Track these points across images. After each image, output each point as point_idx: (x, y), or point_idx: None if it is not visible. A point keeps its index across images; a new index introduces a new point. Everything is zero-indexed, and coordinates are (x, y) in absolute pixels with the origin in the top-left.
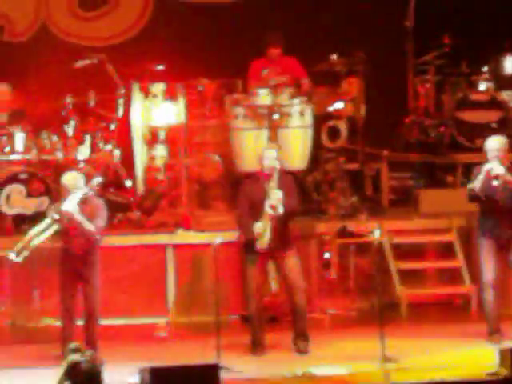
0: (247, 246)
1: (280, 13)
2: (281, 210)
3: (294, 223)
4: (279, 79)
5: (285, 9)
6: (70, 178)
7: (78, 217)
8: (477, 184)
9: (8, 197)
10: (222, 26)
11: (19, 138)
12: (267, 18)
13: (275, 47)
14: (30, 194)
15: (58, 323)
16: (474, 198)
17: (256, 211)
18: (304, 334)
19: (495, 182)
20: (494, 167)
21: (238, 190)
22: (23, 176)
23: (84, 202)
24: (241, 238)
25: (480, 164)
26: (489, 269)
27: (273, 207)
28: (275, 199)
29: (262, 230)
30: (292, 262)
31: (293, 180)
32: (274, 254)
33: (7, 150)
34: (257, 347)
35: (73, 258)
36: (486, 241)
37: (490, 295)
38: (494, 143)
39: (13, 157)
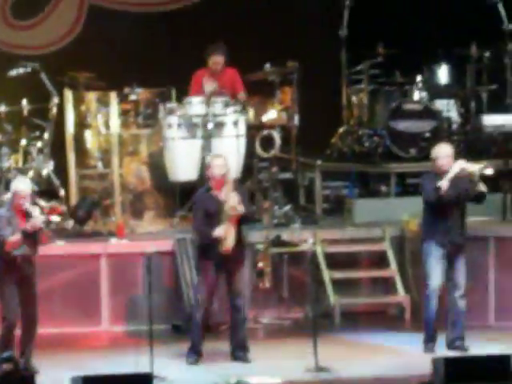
0: (204, 252)
1: (215, 21)
2: (241, 210)
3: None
4: (214, 88)
5: (220, 17)
6: (23, 185)
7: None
8: (444, 183)
9: None
10: (156, 34)
11: None
12: (204, 26)
13: (216, 55)
14: None
15: None
16: (439, 197)
17: (211, 221)
18: (244, 345)
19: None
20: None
21: (192, 201)
22: None
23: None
24: (199, 244)
25: (424, 172)
26: (436, 275)
27: (233, 209)
28: (234, 200)
29: (224, 233)
30: (242, 272)
31: (244, 188)
32: (228, 262)
33: None
34: (194, 355)
35: (18, 266)
36: (434, 246)
37: (434, 303)
38: (447, 149)
39: None
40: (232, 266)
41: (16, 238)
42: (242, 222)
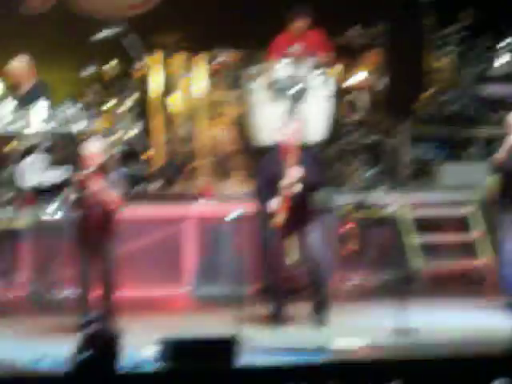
0: (264, 219)
1: None
2: (297, 189)
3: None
4: (299, 51)
5: None
6: (95, 147)
7: (103, 185)
8: (501, 154)
9: (29, 167)
10: None
11: (42, 108)
12: None
13: (302, 20)
14: (51, 165)
15: (75, 294)
16: (496, 168)
17: (274, 185)
18: (322, 306)
19: None
20: None
21: (257, 163)
22: (45, 146)
23: (103, 171)
24: (258, 210)
25: (504, 137)
26: (508, 243)
27: (289, 186)
28: (293, 177)
29: (277, 207)
30: (311, 236)
31: (315, 155)
32: (291, 229)
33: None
34: (276, 319)
35: (90, 228)
36: (506, 216)
37: (509, 271)
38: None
39: (33, 127)
40: (301, 227)
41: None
42: (306, 194)
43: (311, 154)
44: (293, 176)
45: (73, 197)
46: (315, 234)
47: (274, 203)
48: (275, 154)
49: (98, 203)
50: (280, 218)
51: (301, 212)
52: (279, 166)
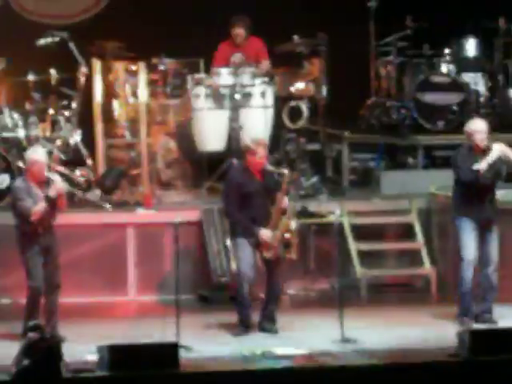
0: (240, 234)
1: None
2: (294, 226)
3: None
4: (241, 59)
5: None
6: (42, 153)
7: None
8: (483, 166)
9: None
10: (186, 4)
11: None
12: None
13: (238, 27)
14: None
15: (17, 301)
16: (476, 179)
17: (246, 201)
18: (273, 317)
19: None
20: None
21: (226, 180)
22: None
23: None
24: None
25: (456, 146)
26: (470, 248)
27: (287, 225)
28: (285, 209)
29: (271, 242)
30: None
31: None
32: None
33: None
34: (244, 326)
35: (41, 236)
36: (467, 220)
37: (469, 276)
38: (483, 125)
39: None
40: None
41: (41, 206)
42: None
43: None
44: (285, 207)
45: (29, 203)
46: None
47: (267, 235)
48: (244, 170)
49: (51, 208)
50: (274, 252)
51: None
52: (250, 181)
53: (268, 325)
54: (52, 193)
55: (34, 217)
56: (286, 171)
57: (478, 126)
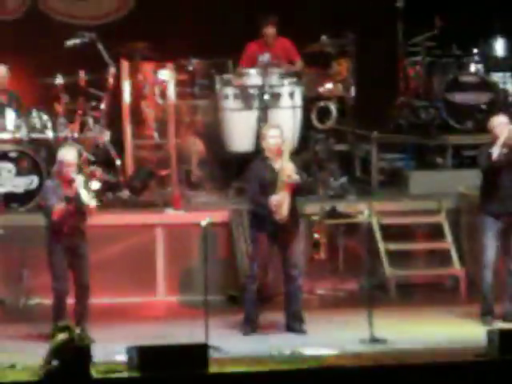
0: (258, 223)
1: None
2: (296, 179)
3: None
4: (269, 60)
5: None
6: (72, 154)
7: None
8: (495, 149)
9: None
10: (212, 5)
11: (10, 117)
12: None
13: (271, 27)
14: (19, 173)
15: (47, 302)
16: (490, 164)
17: (266, 191)
18: (300, 315)
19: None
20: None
21: (247, 170)
22: (13, 154)
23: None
24: (253, 214)
25: (482, 145)
26: (491, 248)
27: (289, 177)
28: (290, 170)
29: (280, 201)
30: (296, 243)
31: (299, 160)
32: (283, 232)
33: None
34: (249, 325)
35: (66, 236)
36: (491, 219)
37: (489, 276)
38: (502, 119)
39: (3, 135)
40: (286, 237)
41: (60, 205)
42: (297, 192)
43: (295, 158)
44: (290, 169)
45: (53, 202)
46: (298, 245)
47: (276, 197)
48: (263, 160)
49: (75, 209)
50: (284, 211)
51: (292, 212)
52: (270, 170)
53: (296, 324)
54: (71, 193)
55: (55, 215)
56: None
57: (497, 120)
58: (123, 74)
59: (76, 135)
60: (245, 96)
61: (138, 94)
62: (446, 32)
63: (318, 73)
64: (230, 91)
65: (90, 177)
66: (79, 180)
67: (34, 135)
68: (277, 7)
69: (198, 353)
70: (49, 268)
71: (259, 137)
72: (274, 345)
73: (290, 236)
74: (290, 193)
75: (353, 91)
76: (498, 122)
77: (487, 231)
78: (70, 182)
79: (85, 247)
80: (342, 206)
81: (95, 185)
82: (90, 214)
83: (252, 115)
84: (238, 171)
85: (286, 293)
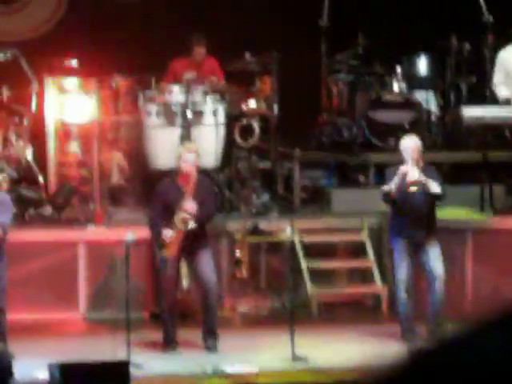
0: (158, 246)
1: (196, 9)
2: (190, 226)
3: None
4: (193, 77)
5: (200, 5)
6: None
7: None
8: (392, 186)
9: None
10: (136, 21)
11: None
12: (182, 15)
13: (201, 47)
14: None
15: None
16: (388, 200)
17: (170, 212)
18: (213, 332)
19: (412, 189)
20: (410, 173)
21: (153, 188)
22: None
23: None
24: (152, 237)
25: (393, 165)
26: (403, 268)
27: (184, 220)
28: (187, 212)
29: (170, 240)
30: (205, 259)
31: (210, 183)
32: (186, 254)
33: None
34: (169, 344)
35: None
36: (399, 241)
37: (403, 294)
38: (408, 143)
39: None
40: (194, 252)
41: None
42: (202, 224)
43: (206, 182)
44: (188, 211)
45: None
46: (208, 260)
47: (167, 234)
48: (172, 181)
49: None
50: (172, 250)
51: (194, 240)
52: (176, 192)
53: (209, 340)
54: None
55: None
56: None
57: (404, 143)
58: (46, 89)
59: None
60: (168, 113)
61: (62, 110)
62: (369, 50)
63: (242, 90)
64: (152, 108)
65: None
66: None
67: None
68: (201, 23)
69: (120, 370)
70: None
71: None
72: (196, 362)
73: (197, 251)
74: (183, 235)
75: (276, 109)
76: (405, 145)
77: (397, 251)
78: None
79: (3, 269)
80: (264, 224)
81: None
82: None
83: (175, 132)
84: None
85: (201, 308)
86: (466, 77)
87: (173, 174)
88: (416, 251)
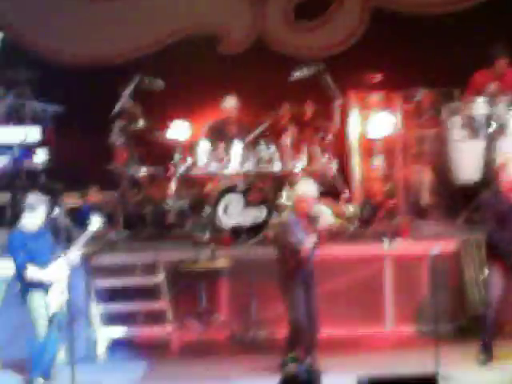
0: (493, 254)
1: (498, 22)
2: None
3: None
4: (496, 89)
5: (505, 19)
6: (312, 189)
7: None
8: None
9: (226, 208)
10: (435, 35)
11: (238, 148)
12: (487, 27)
13: (503, 58)
14: (248, 205)
15: (275, 334)
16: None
17: (502, 224)
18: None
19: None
20: None
21: (481, 204)
22: (241, 187)
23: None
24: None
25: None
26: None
27: None
28: None
29: None
30: None
31: None
32: None
33: (224, 161)
34: (485, 355)
35: (304, 270)
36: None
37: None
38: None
39: (230, 168)
40: None
41: (311, 242)
42: None
43: None
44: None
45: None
46: None
47: None
48: (498, 189)
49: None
50: None
51: None
52: (505, 199)
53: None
54: (321, 228)
55: (304, 253)
56: None
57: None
58: (350, 104)
59: (303, 167)
60: (472, 125)
61: (366, 124)
62: None
63: None
64: (457, 120)
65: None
66: (325, 212)
67: (262, 167)
68: (500, 36)
69: (428, 383)
70: (286, 300)
71: (486, 166)
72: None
73: None
74: None
75: None
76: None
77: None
78: (313, 217)
79: (315, 278)
80: None
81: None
82: (323, 243)
83: (479, 144)
84: (465, 201)
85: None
86: None
87: (493, 184)
88: None
